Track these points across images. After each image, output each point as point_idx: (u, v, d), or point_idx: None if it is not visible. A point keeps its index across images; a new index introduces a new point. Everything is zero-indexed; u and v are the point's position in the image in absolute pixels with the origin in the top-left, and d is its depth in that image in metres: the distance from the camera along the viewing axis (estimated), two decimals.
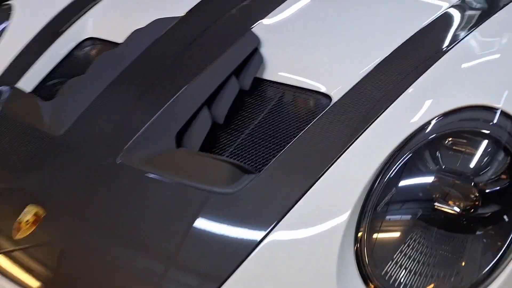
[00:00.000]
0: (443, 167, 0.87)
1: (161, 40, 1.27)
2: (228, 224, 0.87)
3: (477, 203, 0.83)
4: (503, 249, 0.79)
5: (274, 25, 1.28)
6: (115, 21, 1.48)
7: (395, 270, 0.81)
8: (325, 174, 0.89)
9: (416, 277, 0.81)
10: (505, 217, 0.83)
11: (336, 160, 0.90)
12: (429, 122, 0.90)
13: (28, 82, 1.31)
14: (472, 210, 0.83)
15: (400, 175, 0.87)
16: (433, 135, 0.89)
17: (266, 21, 1.28)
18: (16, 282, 0.89)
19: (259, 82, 1.15)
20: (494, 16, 1.17)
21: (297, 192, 0.87)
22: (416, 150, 0.88)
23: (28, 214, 0.94)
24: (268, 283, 0.81)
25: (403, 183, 0.87)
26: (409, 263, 0.82)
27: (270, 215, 0.85)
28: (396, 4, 1.33)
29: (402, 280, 0.80)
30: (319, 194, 0.87)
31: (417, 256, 0.82)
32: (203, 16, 1.35)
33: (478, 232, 0.82)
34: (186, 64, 1.18)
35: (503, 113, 0.90)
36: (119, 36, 1.38)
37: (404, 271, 0.81)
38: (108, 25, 1.46)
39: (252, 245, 0.82)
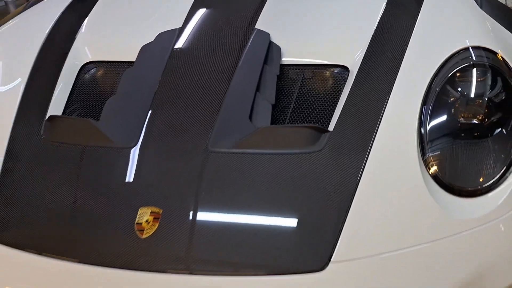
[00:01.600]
0: (461, 91, 1.18)
1: (179, 49, 1.38)
2: (322, 174, 1.06)
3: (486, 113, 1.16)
4: None
5: (270, 20, 1.47)
6: (107, 43, 1.53)
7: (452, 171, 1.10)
8: (382, 119, 1.13)
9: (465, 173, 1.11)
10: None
11: (385, 107, 1.15)
12: (445, 61, 1.21)
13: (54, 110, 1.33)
14: (487, 118, 1.16)
15: (435, 105, 1.16)
16: (451, 72, 1.19)
17: (262, 18, 1.48)
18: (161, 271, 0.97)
19: (284, 67, 1.35)
20: None
21: (369, 136, 1.11)
22: (442, 84, 1.17)
23: (145, 215, 1.03)
24: (378, 205, 1.02)
25: (437, 110, 1.16)
26: (459, 165, 1.11)
27: (358, 157, 1.07)
28: None
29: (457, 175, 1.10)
30: (385, 134, 1.11)
31: (463, 160, 1.12)
32: (202, 24, 1.49)
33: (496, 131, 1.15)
34: (218, 63, 1.32)
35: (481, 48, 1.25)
36: (119, 55, 1.46)
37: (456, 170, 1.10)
38: (102, 48, 1.51)
39: (355, 184, 1.04)
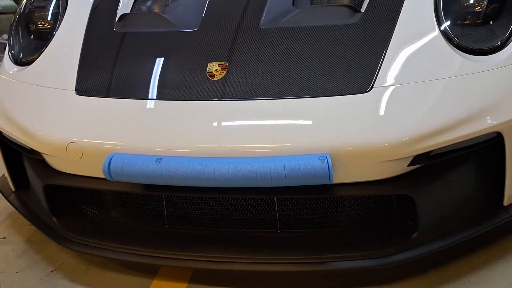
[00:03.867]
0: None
1: None
2: (361, 35, 1.30)
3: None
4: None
5: None
6: None
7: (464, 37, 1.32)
8: (404, 5, 1.36)
9: None
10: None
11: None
12: None
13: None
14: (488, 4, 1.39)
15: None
16: None
17: None
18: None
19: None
20: None
21: (395, 13, 1.34)
22: None
23: (214, 66, 1.25)
24: (407, 52, 1.25)
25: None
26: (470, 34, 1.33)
27: (389, 24, 1.31)
28: None
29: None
30: (408, 11, 1.34)
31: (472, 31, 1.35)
32: None
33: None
34: None
35: None
36: None
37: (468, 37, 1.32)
38: None
39: (387, 40, 1.26)
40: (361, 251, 1.23)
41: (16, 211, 1.73)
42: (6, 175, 1.60)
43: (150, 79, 1.26)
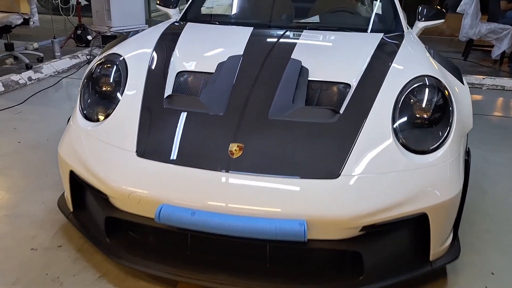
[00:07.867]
0: (417, 98, 2.00)
1: (245, 64, 2.21)
2: (337, 133, 1.85)
3: (432, 111, 1.98)
4: (448, 124, 1.93)
5: (301, 53, 2.32)
6: (193, 60, 2.35)
7: (412, 141, 1.88)
8: (371, 109, 1.93)
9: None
10: (446, 111, 1.97)
11: (374, 102, 1.96)
12: (409, 81, 2.04)
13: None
14: (433, 113, 1.97)
15: (401, 105, 1.96)
16: (412, 86, 2.01)
17: (295, 53, 2.32)
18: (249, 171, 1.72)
19: (310, 82, 2.16)
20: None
21: (364, 116, 1.90)
22: (406, 93, 1.99)
23: (234, 146, 1.80)
24: (368, 148, 1.80)
25: (403, 107, 1.96)
26: (417, 138, 1.89)
27: (357, 125, 1.87)
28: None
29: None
30: (374, 115, 1.91)
31: (419, 135, 1.91)
32: (257, 52, 2.32)
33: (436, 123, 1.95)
34: (271, 73, 2.13)
35: (430, 76, 2.08)
36: (202, 68, 2.27)
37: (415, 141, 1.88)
38: (190, 62, 2.32)
39: (354, 139, 1.81)
40: (325, 284, 1.76)
41: (67, 225, 2.28)
42: (68, 200, 2.14)
43: (189, 151, 1.80)
